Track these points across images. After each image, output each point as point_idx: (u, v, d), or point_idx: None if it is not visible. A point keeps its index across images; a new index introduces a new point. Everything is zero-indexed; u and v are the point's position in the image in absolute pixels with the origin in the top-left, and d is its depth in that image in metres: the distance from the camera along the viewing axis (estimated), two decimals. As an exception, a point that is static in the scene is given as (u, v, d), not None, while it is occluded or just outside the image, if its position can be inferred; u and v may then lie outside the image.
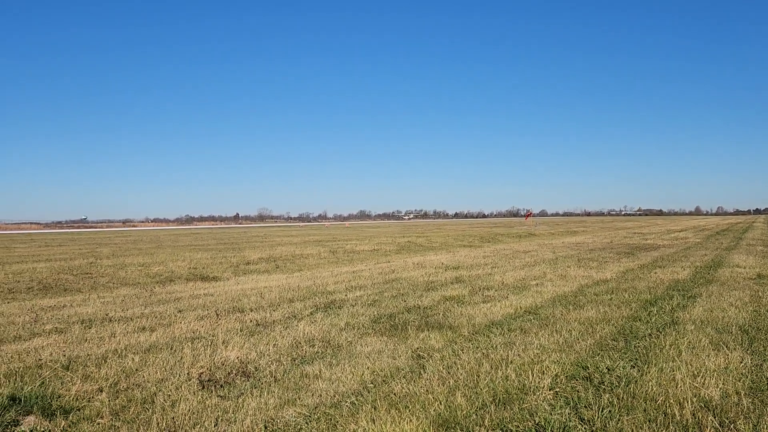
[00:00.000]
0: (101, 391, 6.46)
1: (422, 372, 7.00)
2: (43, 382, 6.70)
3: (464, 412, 5.64)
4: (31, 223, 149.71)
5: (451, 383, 6.52)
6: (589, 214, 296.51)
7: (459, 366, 7.19)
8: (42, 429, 5.43)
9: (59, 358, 7.87)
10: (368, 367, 7.23)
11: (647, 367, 6.98)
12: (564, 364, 7.16)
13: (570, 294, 13.19)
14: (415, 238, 45.61)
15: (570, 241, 39.10)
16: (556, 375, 6.72)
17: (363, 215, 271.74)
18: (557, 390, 6.24)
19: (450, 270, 19.32)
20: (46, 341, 9.19)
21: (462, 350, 8.02)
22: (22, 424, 5.56)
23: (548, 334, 8.84)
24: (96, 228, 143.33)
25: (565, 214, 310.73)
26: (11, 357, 8.06)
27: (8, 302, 14.23)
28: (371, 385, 6.57)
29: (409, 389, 6.35)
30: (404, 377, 6.80)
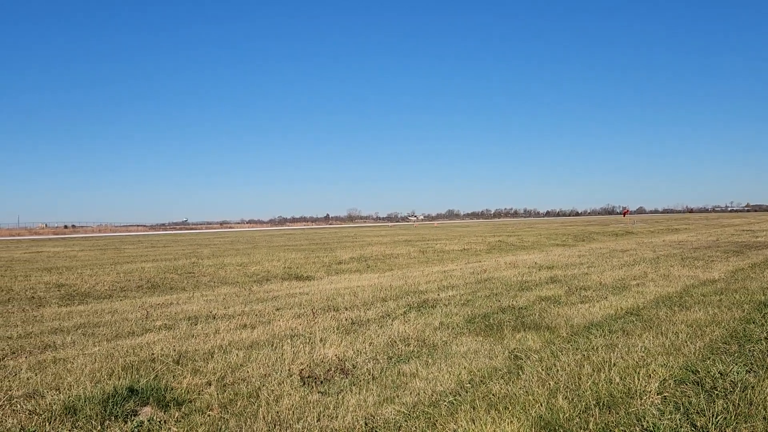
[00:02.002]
0: (209, 385, 6.78)
1: (520, 373, 6.88)
2: (156, 375, 7.11)
3: (566, 415, 5.49)
4: (138, 226, 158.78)
5: (552, 385, 6.36)
6: (691, 211, 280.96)
7: (558, 367, 7.01)
8: (158, 419, 5.76)
9: (170, 353, 8.32)
10: (465, 367, 7.18)
11: (765, 373, 6.53)
12: (672, 367, 6.83)
13: (674, 294, 12.55)
14: (506, 237, 44.89)
15: (672, 239, 37.22)
16: (664, 379, 6.42)
17: (451, 214, 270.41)
18: (665, 395, 5.95)
19: (544, 269, 18.88)
20: (156, 336, 9.74)
21: (561, 351, 7.82)
22: (140, 414, 5.92)
23: (653, 337, 8.45)
24: (196, 229, 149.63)
25: (665, 211, 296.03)
26: (127, 351, 8.61)
27: (121, 300, 15.20)
28: (469, 384, 6.53)
29: (507, 390, 6.25)
30: (502, 378, 6.71)
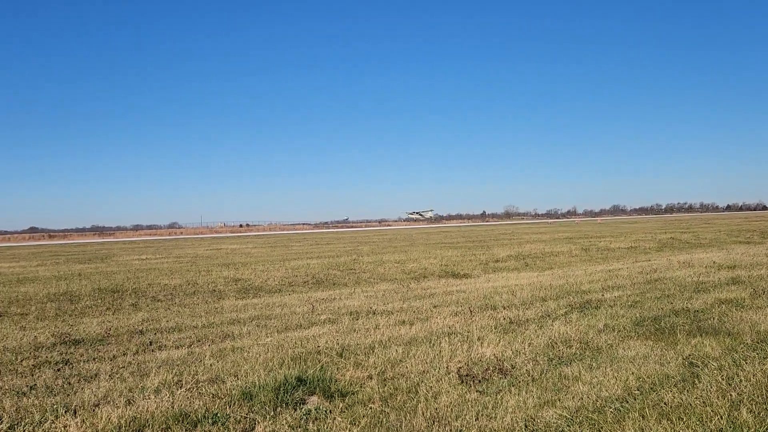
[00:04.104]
0: (371, 379, 7.02)
1: (696, 381, 6.34)
2: (322, 367, 7.50)
3: (751, 431, 4.97)
4: (303, 224, 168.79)
5: (734, 396, 5.79)
6: None
7: (742, 377, 6.36)
8: (324, 408, 6.07)
9: (333, 346, 8.74)
10: (633, 373, 6.77)
11: None
12: None
13: None
14: (679, 234, 41.59)
15: None
16: None
17: (617, 210, 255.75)
18: None
19: (724, 269, 17.23)
20: (321, 330, 10.28)
21: (745, 360, 7.09)
22: (307, 402, 6.29)
23: None
24: (356, 227, 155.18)
25: None
26: (295, 343, 9.18)
27: (289, 294, 16.24)
28: (637, 391, 6.14)
29: (681, 399, 5.79)
30: (675, 386, 6.23)
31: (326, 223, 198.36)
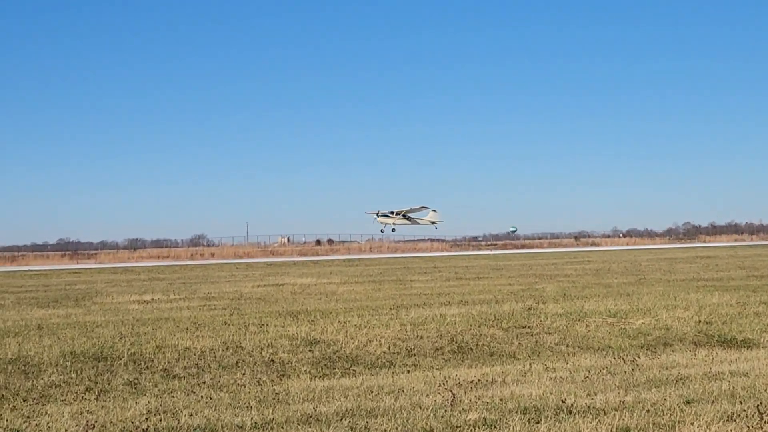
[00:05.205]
0: None
1: None
2: None
3: None
4: (431, 240, 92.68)
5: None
6: None
7: None
8: None
9: None
10: None
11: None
12: None
13: None
14: None
15: None
16: None
17: None
18: None
19: None
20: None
21: None
22: None
23: None
24: (530, 248, 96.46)
25: None
26: None
27: (408, 371, 10.10)
28: None
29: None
30: None
31: (475, 239, 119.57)
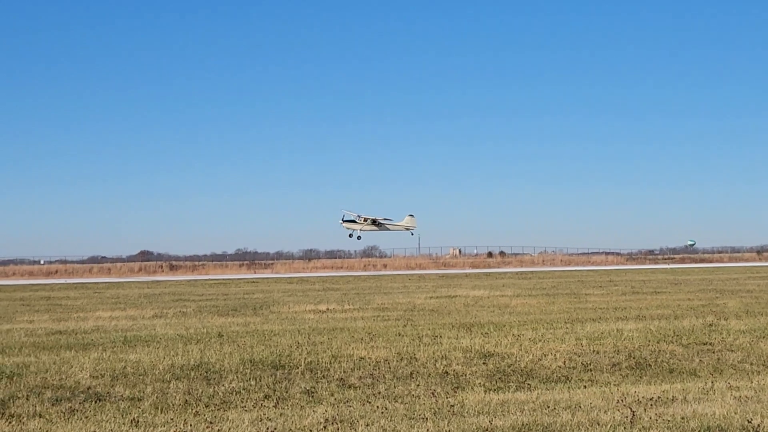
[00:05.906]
0: None
1: None
2: None
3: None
4: (605, 253, 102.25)
5: None
6: None
7: None
8: None
9: None
10: None
11: None
12: None
13: None
14: None
15: None
16: None
17: None
18: None
19: None
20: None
21: None
22: None
23: None
24: (709, 262, 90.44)
25: None
26: None
27: (585, 386, 9.61)
28: None
29: None
30: None
31: (651, 252, 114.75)
